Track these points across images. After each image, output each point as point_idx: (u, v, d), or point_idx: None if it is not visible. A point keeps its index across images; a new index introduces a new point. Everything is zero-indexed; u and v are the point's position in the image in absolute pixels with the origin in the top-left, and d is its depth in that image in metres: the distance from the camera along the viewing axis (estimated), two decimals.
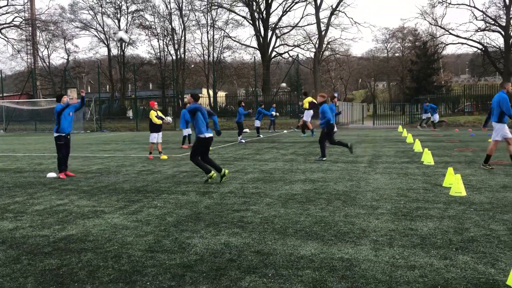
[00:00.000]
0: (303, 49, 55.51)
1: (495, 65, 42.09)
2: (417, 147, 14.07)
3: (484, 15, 39.91)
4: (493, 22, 39.73)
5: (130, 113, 47.80)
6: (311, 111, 21.99)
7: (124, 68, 50.56)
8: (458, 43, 43.70)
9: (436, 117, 26.58)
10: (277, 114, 29.94)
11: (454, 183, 7.13)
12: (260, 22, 42.02)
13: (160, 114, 13.62)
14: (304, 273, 3.84)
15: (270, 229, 5.27)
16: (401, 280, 3.61)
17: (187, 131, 17.39)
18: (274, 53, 42.73)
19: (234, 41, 44.69)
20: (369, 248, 4.43)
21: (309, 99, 22.07)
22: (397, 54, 70.34)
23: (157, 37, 48.90)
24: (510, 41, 39.08)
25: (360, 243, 4.61)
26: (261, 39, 40.82)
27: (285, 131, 28.12)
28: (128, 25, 50.59)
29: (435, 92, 49.03)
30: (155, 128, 13.46)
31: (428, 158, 10.92)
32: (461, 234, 4.88)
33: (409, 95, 51.74)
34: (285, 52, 43.18)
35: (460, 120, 30.77)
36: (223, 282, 3.65)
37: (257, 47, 41.54)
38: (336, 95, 37.76)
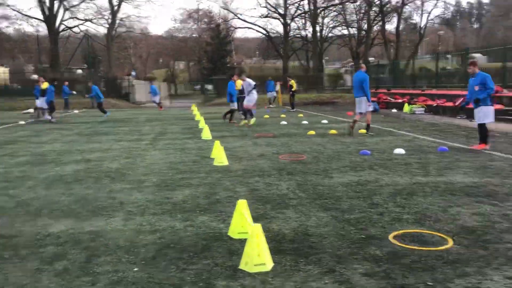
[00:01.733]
0: (96, 24, 52.53)
1: (277, 49, 47.17)
2: (202, 124, 14.97)
3: (266, 3, 44.16)
4: (274, 10, 44.30)
5: None
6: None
7: None
8: (246, 27, 47.30)
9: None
10: (74, 92, 27.99)
11: (218, 155, 7.91)
12: None
13: None
14: (46, 249, 3.84)
15: (23, 211, 5.04)
16: (140, 244, 3.94)
17: None
18: (63, 27, 39.34)
19: (13, 10, 39.52)
20: (120, 219, 4.66)
21: None
22: (194, 35, 72.52)
23: None
24: (288, 28, 44.28)
25: (114, 216, 4.80)
26: (46, 10, 37.04)
27: (75, 111, 26.41)
28: None
29: (228, 73, 52.47)
30: None
31: (206, 133, 11.77)
32: (209, 198, 5.51)
33: (206, 75, 54.16)
34: (75, 26, 40.18)
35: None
36: None
37: (42, 18, 37.56)
38: (133, 73, 36.86)
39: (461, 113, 16.65)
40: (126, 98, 33.73)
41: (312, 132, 12.43)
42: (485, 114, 8.90)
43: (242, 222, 4.07)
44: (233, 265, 3.46)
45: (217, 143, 8.52)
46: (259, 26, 47.75)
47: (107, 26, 40.62)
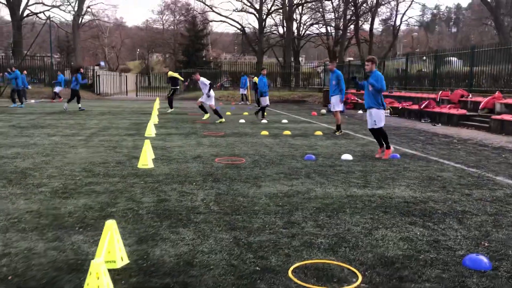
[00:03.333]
0: (64, 11, 50.43)
1: (251, 45, 46.36)
2: (152, 119, 14.09)
3: None
4: (249, 5, 43.48)
5: None
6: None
7: None
8: (220, 20, 46.33)
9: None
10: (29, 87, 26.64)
11: (143, 156, 7.09)
12: None
13: None
14: None
15: None
16: None
17: None
18: (27, 12, 37.63)
19: None
20: None
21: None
22: (171, 27, 71.06)
23: None
24: (263, 24, 43.52)
25: None
26: None
27: (32, 101, 25.05)
28: None
29: (204, 67, 51.46)
30: None
31: (149, 130, 10.91)
32: (103, 210, 4.70)
33: (180, 68, 52.99)
34: (41, 12, 38.49)
35: (216, 95, 32.90)
36: None
37: (4, 2, 35.78)
38: (101, 64, 35.79)
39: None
40: (91, 89, 32.39)
41: (265, 133, 11.70)
42: (380, 118, 8.26)
43: (110, 247, 3.29)
44: None
45: (146, 143, 7.70)
46: (234, 21, 46.85)
47: (73, 13, 39.05)
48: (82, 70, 20.29)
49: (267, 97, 16.05)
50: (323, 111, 19.71)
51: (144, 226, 4.20)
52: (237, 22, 45.84)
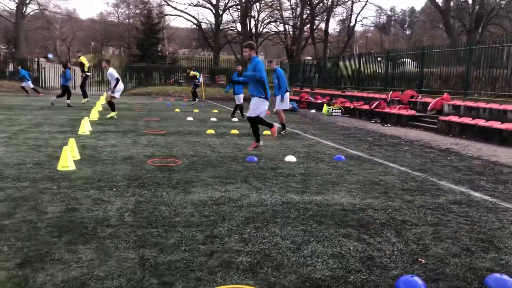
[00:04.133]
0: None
1: (207, 40, 45.49)
2: (93, 115, 13.22)
3: None
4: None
5: None
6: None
7: None
8: (176, 15, 45.23)
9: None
10: None
11: (63, 157, 6.38)
12: None
13: None
14: None
15: None
16: None
17: None
18: None
19: None
20: None
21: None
22: (126, 21, 68.92)
23: None
24: (220, 19, 42.80)
25: None
26: None
27: None
28: None
29: (159, 62, 50.23)
30: None
31: (83, 128, 10.11)
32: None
33: (135, 62, 51.40)
34: None
35: (169, 90, 32.05)
36: None
37: None
38: (49, 56, 34.37)
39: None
40: (36, 82, 30.64)
41: (211, 131, 11.15)
42: (256, 106, 8.01)
43: None
44: None
45: (71, 142, 6.98)
46: (190, 15, 45.87)
47: (16, 2, 36.89)
48: (69, 66, 19.15)
49: (241, 96, 15.32)
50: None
51: (37, 243, 3.57)
52: (193, 17, 44.58)
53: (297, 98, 23.71)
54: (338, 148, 9.42)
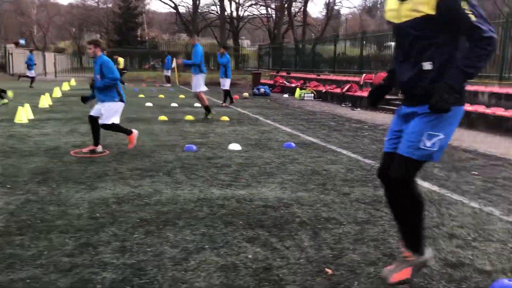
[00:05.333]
0: None
1: (185, 24, 44.38)
2: (43, 101, 12.41)
3: None
4: None
5: None
6: None
7: None
8: None
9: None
10: None
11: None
12: None
13: None
14: None
15: None
16: None
17: None
18: None
19: None
20: None
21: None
22: (106, 6, 67.15)
23: None
24: (197, 2, 41.74)
25: None
26: None
27: None
28: None
29: (139, 47, 49.07)
30: None
31: (19, 116, 9.33)
32: None
33: (111, 48, 50.11)
34: None
35: (143, 76, 31.15)
36: None
37: None
38: (21, 42, 33.65)
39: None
40: (3, 68, 29.50)
41: (164, 118, 10.44)
42: (109, 112, 6.44)
43: None
44: None
45: None
46: None
47: None
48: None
49: (226, 80, 14.11)
50: (246, 94, 18.59)
51: None
52: (171, 0, 43.33)
53: (271, 82, 23.00)
54: (294, 134, 8.79)
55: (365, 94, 15.06)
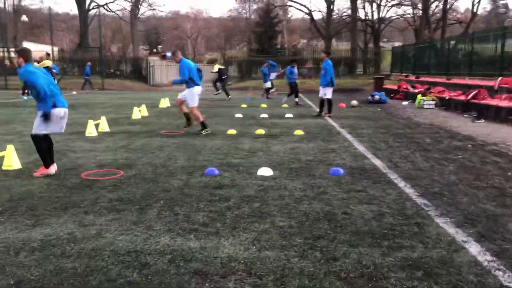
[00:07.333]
0: (129, 1, 49.70)
1: (318, 29, 43.28)
2: (135, 113, 12.70)
3: None
4: None
5: None
6: None
7: None
8: (286, 5, 44.05)
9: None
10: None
11: (7, 156, 5.76)
12: None
13: None
14: None
15: None
16: None
17: None
18: (93, 5, 38.66)
19: None
20: None
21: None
22: (251, 17, 69.82)
23: None
24: (331, 6, 40.36)
25: None
26: None
27: (74, 92, 25.23)
28: None
29: (275, 54, 49.73)
30: None
31: (89, 129, 9.46)
32: None
33: (253, 57, 51.68)
34: (106, 4, 39.26)
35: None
36: None
37: None
38: (168, 54, 35.95)
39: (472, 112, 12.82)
40: (145, 79, 32.31)
41: (232, 132, 9.65)
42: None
43: None
44: None
45: (9, 148, 6.22)
46: (301, 4, 44.20)
47: (131, 3, 39.47)
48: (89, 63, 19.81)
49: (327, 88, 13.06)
50: (354, 102, 16.76)
51: None
52: (304, 6, 42.92)
53: (394, 87, 20.68)
54: (361, 155, 7.18)
55: (493, 102, 12.23)
